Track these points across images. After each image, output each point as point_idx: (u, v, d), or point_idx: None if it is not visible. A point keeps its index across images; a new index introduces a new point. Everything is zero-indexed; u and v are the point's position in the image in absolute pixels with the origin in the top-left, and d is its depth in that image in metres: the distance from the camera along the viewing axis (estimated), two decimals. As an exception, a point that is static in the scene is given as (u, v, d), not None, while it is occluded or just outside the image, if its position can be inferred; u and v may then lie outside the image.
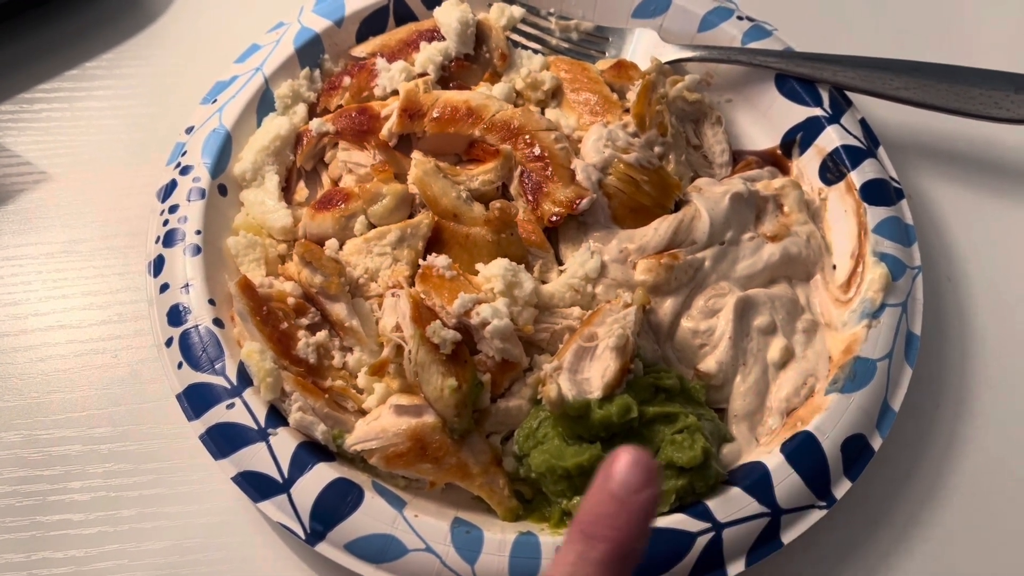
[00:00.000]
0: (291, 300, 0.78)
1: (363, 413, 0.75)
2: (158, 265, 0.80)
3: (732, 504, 0.70)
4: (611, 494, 0.48)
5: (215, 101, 0.90)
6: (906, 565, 0.75)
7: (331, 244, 0.81)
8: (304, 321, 0.78)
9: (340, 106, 0.92)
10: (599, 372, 0.72)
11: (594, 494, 0.49)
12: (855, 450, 0.73)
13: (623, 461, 0.48)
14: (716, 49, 0.95)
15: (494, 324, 0.72)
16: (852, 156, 0.88)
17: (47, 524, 0.75)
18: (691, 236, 0.82)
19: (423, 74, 0.91)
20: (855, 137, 0.89)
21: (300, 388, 0.73)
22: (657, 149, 0.86)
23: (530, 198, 0.83)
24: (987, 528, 0.77)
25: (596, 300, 0.79)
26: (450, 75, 0.92)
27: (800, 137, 0.92)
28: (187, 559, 0.74)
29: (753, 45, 0.95)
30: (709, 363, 0.78)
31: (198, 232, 0.81)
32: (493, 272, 0.76)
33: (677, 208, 0.84)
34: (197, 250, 0.80)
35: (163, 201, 0.84)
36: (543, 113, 0.91)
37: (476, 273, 0.78)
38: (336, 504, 0.69)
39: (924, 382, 0.83)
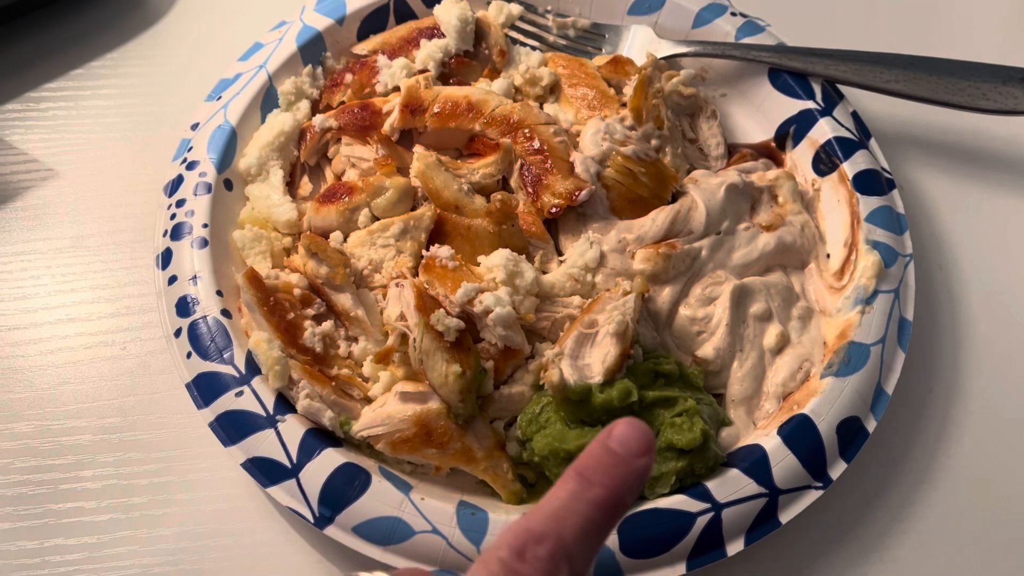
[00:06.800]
0: (297, 291, 0.79)
1: (369, 401, 0.77)
2: (166, 258, 0.81)
3: (731, 485, 0.71)
4: (611, 451, 0.49)
5: (220, 98, 0.92)
6: (901, 543, 0.76)
7: (335, 236, 0.82)
8: (310, 311, 0.79)
9: (343, 102, 0.93)
10: (600, 358, 0.73)
11: (594, 448, 0.50)
12: (850, 432, 0.74)
13: (625, 425, 0.50)
14: (710, 44, 0.97)
15: (496, 312, 0.73)
16: (844, 148, 0.90)
17: (59, 512, 0.76)
18: (688, 226, 0.83)
19: (424, 70, 0.93)
20: (847, 129, 0.91)
21: (307, 376, 0.75)
22: (654, 142, 0.88)
23: (530, 190, 0.84)
24: (980, 508, 0.79)
25: (596, 289, 0.81)
26: (450, 71, 0.94)
27: (793, 130, 0.94)
28: (197, 544, 0.75)
29: (746, 40, 0.97)
30: (707, 349, 0.80)
31: (205, 225, 0.82)
32: (495, 262, 0.77)
33: (674, 199, 0.86)
34: (204, 243, 0.81)
35: (170, 196, 0.85)
36: (542, 108, 0.93)
37: (478, 264, 0.79)
38: (344, 488, 0.70)
39: (917, 366, 0.85)
